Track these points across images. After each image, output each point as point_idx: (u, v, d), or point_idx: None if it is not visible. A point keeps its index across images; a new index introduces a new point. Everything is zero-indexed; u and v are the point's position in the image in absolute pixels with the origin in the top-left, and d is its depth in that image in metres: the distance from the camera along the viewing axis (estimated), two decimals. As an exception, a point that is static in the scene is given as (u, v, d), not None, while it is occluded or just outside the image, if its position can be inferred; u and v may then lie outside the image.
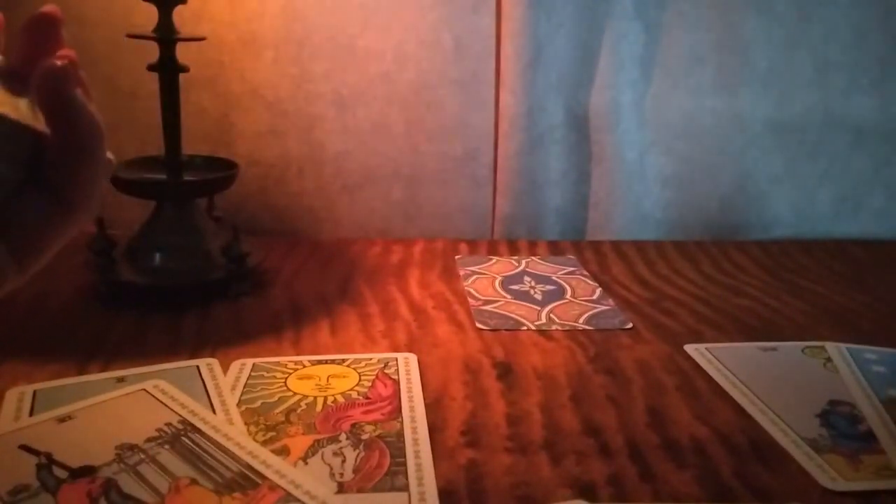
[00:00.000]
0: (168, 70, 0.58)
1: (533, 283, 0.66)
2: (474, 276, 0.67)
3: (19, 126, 0.27)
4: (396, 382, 0.46)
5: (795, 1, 0.78)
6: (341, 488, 0.35)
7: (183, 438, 0.39)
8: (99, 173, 0.29)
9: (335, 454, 0.38)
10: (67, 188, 0.29)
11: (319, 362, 0.49)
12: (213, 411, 0.42)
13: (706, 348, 0.53)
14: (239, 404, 0.43)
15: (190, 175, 0.61)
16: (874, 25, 0.79)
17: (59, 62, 0.28)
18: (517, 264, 0.71)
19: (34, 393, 0.43)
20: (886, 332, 0.57)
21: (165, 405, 0.42)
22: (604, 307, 0.60)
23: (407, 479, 0.36)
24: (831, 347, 0.52)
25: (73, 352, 0.49)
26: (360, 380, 0.46)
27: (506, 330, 0.56)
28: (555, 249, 0.76)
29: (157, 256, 0.60)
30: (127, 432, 0.39)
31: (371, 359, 0.49)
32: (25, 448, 0.37)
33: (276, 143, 0.78)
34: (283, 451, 0.38)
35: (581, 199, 0.83)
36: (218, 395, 0.44)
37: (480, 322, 0.56)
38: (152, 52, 0.57)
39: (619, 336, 0.55)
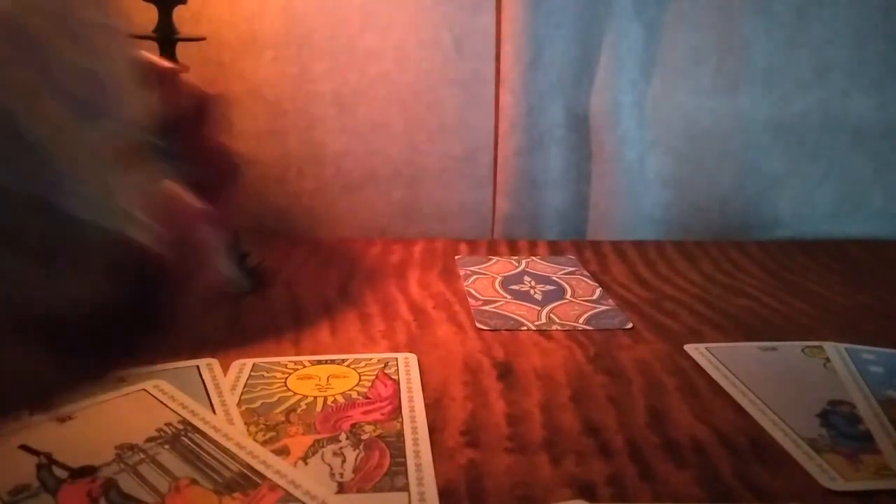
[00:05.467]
0: (168, 70, 0.58)
1: (533, 283, 0.66)
2: (474, 276, 0.67)
3: (138, 248, 0.21)
4: (396, 382, 0.46)
5: (795, 1, 0.78)
6: (341, 488, 0.35)
7: (183, 438, 0.39)
8: (191, 299, 0.24)
9: (335, 454, 0.38)
10: (158, 316, 0.24)
11: (319, 362, 0.49)
12: (213, 411, 0.42)
13: (706, 348, 0.53)
14: (239, 404, 0.43)
15: (190, 175, 0.61)
16: (874, 26, 0.79)
17: (200, 207, 0.22)
18: (517, 264, 0.71)
19: (34, 393, 0.43)
20: (886, 333, 0.56)
21: (165, 405, 0.42)
22: (604, 307, 0.60)
23: (407, 479, 0.36)
24: (829, 347, 0.52)
25: (73, 352, 0.49)
26: (359, 380, 0.46)
27: (506, 330, 0.56)
28: (555, 249, 0.76)
29: (157, 256, 0.60)
30: (127, 432, 0.39)
31: (371, 359, 0.49)
32: (25, 448, 0.37)
33: (276, 143, 0.78)
34: (283, 451, 0.38)
35: (581, 199, 0.83)
36: (218, 395, 0.44)
37: (480, 322, 0.57)
38: (152, 52, 0.57)
39: (619, 336, 0.55)
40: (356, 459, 0.38)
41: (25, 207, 0.19)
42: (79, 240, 0.19)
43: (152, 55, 0.27)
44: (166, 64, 0.28)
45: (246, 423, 0.41)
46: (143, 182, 0.22)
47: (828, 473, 0.38)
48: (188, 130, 0.26)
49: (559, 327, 0.56)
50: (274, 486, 0.35)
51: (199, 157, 0.25)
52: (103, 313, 0.22)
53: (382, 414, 0.42)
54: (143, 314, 0.23)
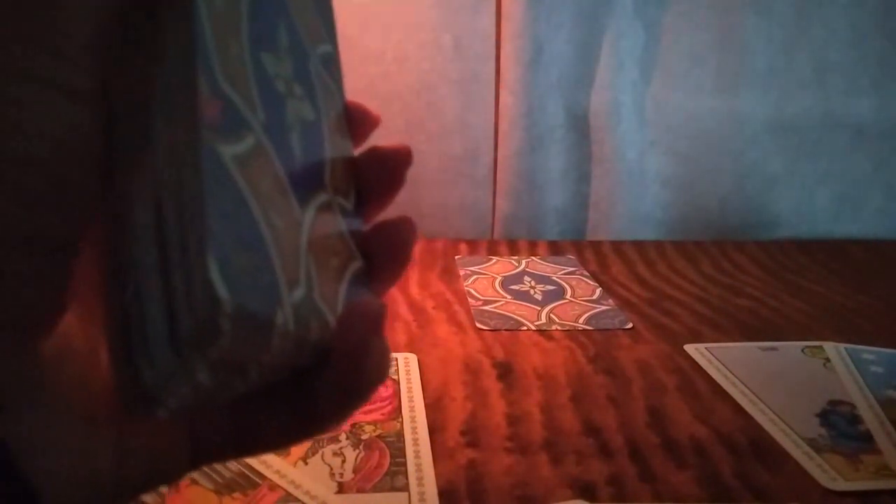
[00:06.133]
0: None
1: (533, 283, 0.66)
2: (474, 276, 0.67)
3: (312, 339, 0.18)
4: (396, 382, 0.46)
5: (795, 1, 0.78)
6: (341, 488, 0.35)
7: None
8: (357, 408, 0.21)
9: (335, 454, 0.38)
10: (309, 419, 0.21)
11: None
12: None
13: (706, 348, 0.53)
14: (239, 404, 0.43)
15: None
16: (873, 26, 0.79)
17: (374, 298, 0.21)
18: (517, 264, 0.71)
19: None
20: (886, 333, 0.57)
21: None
22: (604, 307, 0.60)
23: (407, 479, 0.36)
24: (829, 347, 0.52)
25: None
26: (360, 380, 0.46)
27: (506, 330, 0.56)
28: (555, 249, 0.76)
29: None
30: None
31: (371, 359, 0.49)
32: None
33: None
34: (283, 451, 0.38)
35: (581, 199, 0.83)
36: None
37: (480, 322, 0.57)
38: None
39: (619, 336, 0.55)
40: (356, 459, 0.38)
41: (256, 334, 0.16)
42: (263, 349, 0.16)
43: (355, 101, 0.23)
44: (372, 112, 0.24)
45: (246, 423, 0.41)
46: (338, 272, 0.20)
47: (828, 473, 0.38)
48: (372, 195, 0.23)
49: (559, 327, 0.56)
50: (274, 486, 0.35)
51: (376, 227, 0.22)
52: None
53: (382, 414, 0.42)
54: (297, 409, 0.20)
